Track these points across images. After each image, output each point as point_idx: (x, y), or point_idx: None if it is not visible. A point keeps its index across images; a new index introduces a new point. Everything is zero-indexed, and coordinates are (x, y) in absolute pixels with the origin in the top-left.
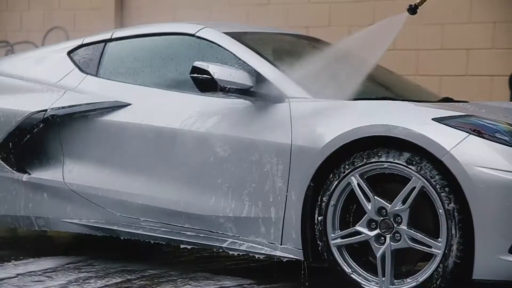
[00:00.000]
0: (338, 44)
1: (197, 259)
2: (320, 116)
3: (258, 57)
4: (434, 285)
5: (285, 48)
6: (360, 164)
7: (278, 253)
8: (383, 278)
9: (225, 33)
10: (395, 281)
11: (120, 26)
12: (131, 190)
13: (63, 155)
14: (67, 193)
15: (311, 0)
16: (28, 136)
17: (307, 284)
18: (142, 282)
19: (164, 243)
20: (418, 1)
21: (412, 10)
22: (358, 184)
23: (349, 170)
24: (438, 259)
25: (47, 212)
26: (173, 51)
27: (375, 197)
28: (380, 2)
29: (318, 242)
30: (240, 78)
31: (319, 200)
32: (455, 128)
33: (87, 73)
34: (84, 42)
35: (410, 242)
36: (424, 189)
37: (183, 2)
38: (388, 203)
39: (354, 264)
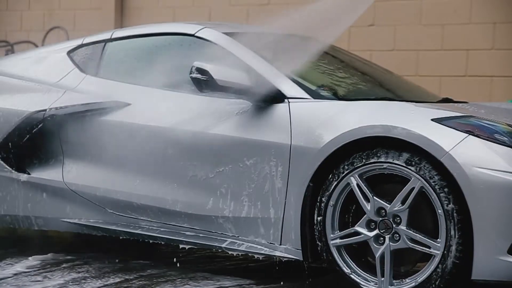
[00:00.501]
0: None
1: (196, 259)
2: (319, 116)
3: (258, 57)
4: (433, 285)
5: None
6: (359, 164)
7: (277, 253)
8: (382, 279)
9: (225, 33)
10: (394, 281)
11: (120, 26)
12: (130, 190)
13: (62, 155)
14: (66, 193)
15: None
16: (28, 136)
17: (306, 284)
18: (141, 282)
19: (163, 243)
20: None
21: None
22: (357, 185)
23: (348, 170)
24: (437, 259)
25: (47, 212)
26: (173, 51)
27: (374, 197)
28: (380, 3)
29: (317, 242)
30: (240, 78)
31: (318, 200)
32: (454, 128)
33: (87, 73)
34: (84, 42)
35: (409, 243)
36: (423, 190)
37: (183, 2)
38: (387, 204)
39: (353, 264)
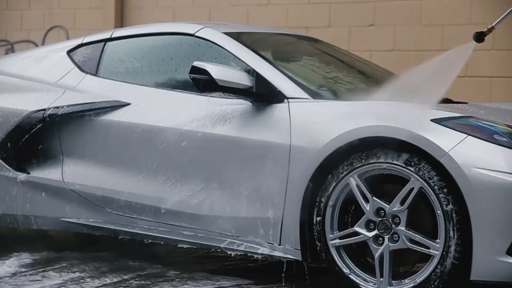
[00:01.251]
0: (407, 74)
1: (195, 259)
2: (319, 116)
3: (258, 57)
4: (432, 286)
5: (284, 48)
6: (359, 165)
7: (276, 253)
8: (381, 279)
9: (225, 33)
10: (393, 282)
11: (120, 26)
12: (129, 190)
13: (62, 154)
14: (66, 192)
15: (311, 0)
16: (27, 135)
17: (305, 284)
18: (139, 281)
19: (162, 242)
20: (485, 29)
21: (478, 38)
22: (357, 185)
23: (347, 170)
24: (436, 260)
25: (46, 211)
26: (173, 51)
27: (374, 198)
28: (380, 3)
29: (317, 242)
30: (239, 78)
31: (317, 200)
32: (453, 129)
33: (87, 73)
34: (83, 42)
35: (408, 243)
36: (423, 190)
37: (183, 2)
38: (387, 204)
39: (352, 264)
